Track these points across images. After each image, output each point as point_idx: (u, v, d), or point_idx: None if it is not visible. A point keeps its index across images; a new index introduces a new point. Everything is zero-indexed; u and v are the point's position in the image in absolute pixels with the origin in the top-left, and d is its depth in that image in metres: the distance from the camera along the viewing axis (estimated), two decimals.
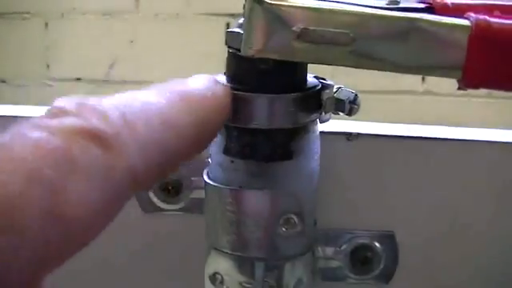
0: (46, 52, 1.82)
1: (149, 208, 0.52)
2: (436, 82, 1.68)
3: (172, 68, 1.70)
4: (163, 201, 0.52)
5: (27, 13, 1.80)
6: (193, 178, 0.51)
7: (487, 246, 0.53)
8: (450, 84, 0.42)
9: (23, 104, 0.56)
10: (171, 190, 0.52)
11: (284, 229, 0.44)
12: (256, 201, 0.43)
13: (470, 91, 0.42)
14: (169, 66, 1.71)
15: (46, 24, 1.81)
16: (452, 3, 0.43)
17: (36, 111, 0.53)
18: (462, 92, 0.45)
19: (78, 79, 1.83)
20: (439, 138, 0.50)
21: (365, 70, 0.40)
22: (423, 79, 1.74)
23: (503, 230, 0.52)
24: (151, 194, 0.52)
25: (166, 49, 1.76)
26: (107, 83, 1.80)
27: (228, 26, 1.69)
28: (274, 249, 0.44)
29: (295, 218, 0.43)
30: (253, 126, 0.42)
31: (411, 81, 1.75)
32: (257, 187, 0.43)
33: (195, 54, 1.70)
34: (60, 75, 1.83)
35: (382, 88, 1.70)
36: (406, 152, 0.50)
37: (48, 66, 1.83)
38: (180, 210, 0.52)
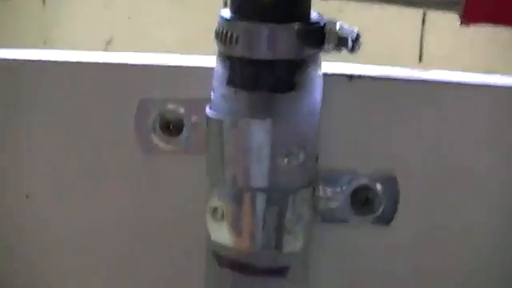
0: (43, 29, 1.82)
1: (149, 149, 0.52)
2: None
3: (171, 43, 1.69)
4: (164, 141, 0.52)
5: None
6: (194, 117, 0.51)
7: (488, 189, 0.53)
8: None
9: None
10: (172, 129, 0.52)
11: (286, 161, 0.44)
12: (259, 132, 0.43)
13: None
14: (168, 42, 1.70)
15: (44, 1, 1.80)
16: None
17: (39, 54, 0.54)
18: None
19: None
20: (443, 81, 0.50)
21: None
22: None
23: (503, 175, 0.53)
24: (151, 133, 0.52)
25: (164, 24, 1.76)
26: None
27: (226, 4, 1.68)
28: (276, 181, 0.44)
29: (297, 150, 0.44)
30: (256, 56, 0.42)
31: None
32: (259, 118, 0.43)
33: (194, 29, 1.70)
34: None
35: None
36: (408, 94, 0.50)
37: (45, 43, 1.82)
38: (180, 150, 0.52)
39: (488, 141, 0.52)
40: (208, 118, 0.45)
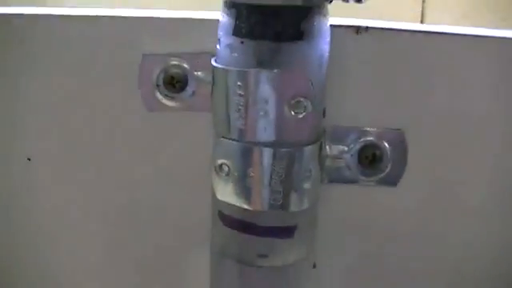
0: None
1: (153, 106, 0.51)
2: None
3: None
4: (168, 97, 0.51)
5: None
6: (198, 73, 0.50)
7: (498, 147, 0.52)
8: None
9: None
10: (176, 85, 0.50)
11: (293, 112, 0.43)
12: (266, 82, 0.42)
13: None
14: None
15: None
16: None
17: (36, 10, 0.52)
18: None
19: None
20: (452, 33, 0.49)
21: None
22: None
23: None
24: (155, 90, 0.51)
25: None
26: None
27: None
28: (283, 134, 0.43)
29: (305, 102, 0.43)
30: (263, 1, 0.41)
31: None
32: (266, 67, 0.42)
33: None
34: None
35: None
36: (417, 47, 0.49)
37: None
38: (184, 107, 0.51)
39: (502, 95, 0.50)
40: (213, 70, 0.44)
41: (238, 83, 0.42)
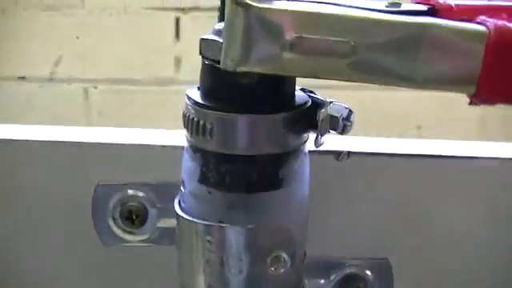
0: None
1: (110, 240, 0.45)
2: None
3: (120, 65, 1.62)
4: (126, 231, 0.45)
5: None
6: (159, 205, 0.44)
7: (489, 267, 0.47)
8: None
9: None
10: (135, 220, 0.45)
11: (272, 269, 0.37)
12: (239, 239, 0.36)
13: None
14: (117, 63, 1.63)
15: None
16: (456, 5, 0.38)
17: None
18: None
19: (22, 78, 1.73)
20: (437, 156, 0.45)
21: None
22: None
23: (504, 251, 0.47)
24: (111, 223, 0.45)
25: (113, 45, 1.68)
26: (52, 82, 1.71)
27: (178, 20, 1.61)
28: None
29: (285, 256, 0.37)
30: (234, 152, 0.35)
31: None
32: (239, 222, 0.36)
33: (144, 50, 1.62)
34: (2, 74, 1.73)
35: None
36: (398, 171, 0.45)
37: None
38: (146, 241, 0.45)
39: (487, 216, 0.46)
40: (178, 218, 0.38)
41: (207, 238, 0.37)
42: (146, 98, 1.64)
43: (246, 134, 0.35)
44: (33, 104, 1.70)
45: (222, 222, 0.36)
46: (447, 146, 0.47)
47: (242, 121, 0.35)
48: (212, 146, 0.35)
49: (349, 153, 0.44)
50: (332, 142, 0.44)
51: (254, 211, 0.36)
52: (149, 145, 0.45)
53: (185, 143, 0.37)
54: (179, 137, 0.39)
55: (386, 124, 1.43)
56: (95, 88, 1.69)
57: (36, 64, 1.72)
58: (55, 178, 0.46)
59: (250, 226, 0.36)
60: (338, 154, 0.44)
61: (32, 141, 0.46)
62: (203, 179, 0.36)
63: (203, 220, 0.37)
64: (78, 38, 1.68)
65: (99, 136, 0.46)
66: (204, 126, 0.35)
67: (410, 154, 0.45)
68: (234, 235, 0.36)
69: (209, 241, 0.37)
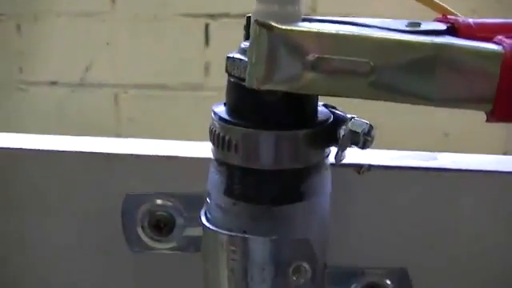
0: (19, 55, 1.76)
1: (138, 247, 0.47)
2: None
3: (150, 70, 1.65)
4: (154, 239, 0.47)
5: (1, 14, 1.73)
6: (186, 215, 0.46)
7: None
8: None
9: None
10: (163, 228, 0.47)
11: (294, 278, 0.39)
12: (263, 249, 0.38)
13: None
14: (146, 69, 1.66)
15: (19, 26, 1.74)
16: (475, 23, 0.39)
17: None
18: None
19: (54, 83, 1.76)
20: (464, 170, 0.46)
21: None
22: None
23: None
24: (140, 231, 0.47)
25: (143, 51, 1.70)
26: (83, 86, 1.74)
27: (207, 27, 1.63)
28: None
29: (306, 266, 0.39)
30: (257, 166, 0.37)
31: None
32: (263, 233, 0.38)
33: (173, 56, 1.65)
34: (34, 79, 1.76)
35: None
36: (420, 184, 0.46)
37: (21, 70, 1.76)
38: (172, 248, 0.47)
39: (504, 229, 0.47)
40: (204, 228, 0.40)
41: (231, 248, 0.38)
42: (175, 103, 1.66)
43: (269, 149, 0.37)
44: (64, 108, 1.73)
45: (245, 233, 0.38)
46: (471, 160, 0.48)
47: (265, 137, 0.36)
48: (237, 160, 0.37)
49: (370, 166, 0.45)
50: (353, 155, 0.45)
51: (276, 223, 0.38)
52: (177, 156, 0.46)
53: (212, 158, 0.39)
54: (206, 149, 0.40)
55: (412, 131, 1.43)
56: (125, 93, 1.71)
57: (67, 69, 1.75)
58: (85, 188, 0.47)
59: (272, 237, 0.38)
60: (359, 167, 0.45)
61: (62, 151, 0.48)
62: (228, 191, 0.38)
63: (228, 231, 0.38)
64: (108, 43, 1.71)
65: (129, 147, 0.47)
66: (229, 141, 0.37)
67: (432, 167, 0.46)
68: (257, 246, 0.38)
69: (233, 251, 0.38)
